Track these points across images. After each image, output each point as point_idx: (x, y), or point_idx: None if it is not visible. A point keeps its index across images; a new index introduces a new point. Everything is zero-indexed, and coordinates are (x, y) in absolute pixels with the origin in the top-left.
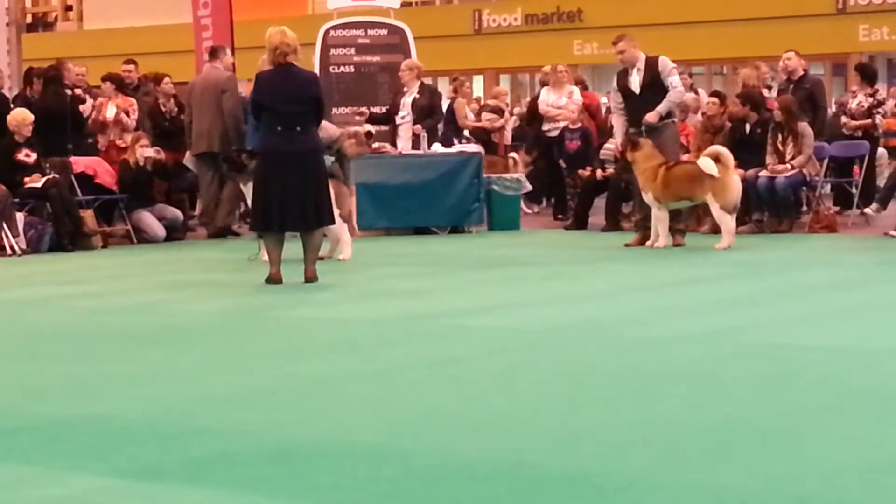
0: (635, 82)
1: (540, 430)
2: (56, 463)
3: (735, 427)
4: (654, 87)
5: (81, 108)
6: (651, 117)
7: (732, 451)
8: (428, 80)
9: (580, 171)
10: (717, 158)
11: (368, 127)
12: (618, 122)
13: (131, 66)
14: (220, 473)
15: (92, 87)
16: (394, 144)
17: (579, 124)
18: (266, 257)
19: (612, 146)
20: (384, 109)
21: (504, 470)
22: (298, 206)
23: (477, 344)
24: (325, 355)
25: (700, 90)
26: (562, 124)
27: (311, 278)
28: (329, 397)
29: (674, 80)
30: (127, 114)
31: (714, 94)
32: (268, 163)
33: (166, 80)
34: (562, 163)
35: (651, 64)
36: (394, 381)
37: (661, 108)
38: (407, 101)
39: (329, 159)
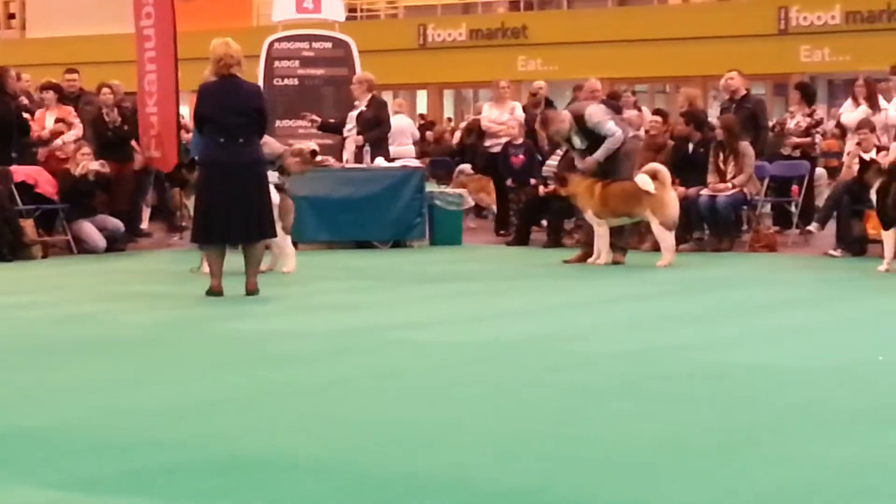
0: (577, 143)
1: (481, 444)
2: None
3: (675, 444)
4: (597, 137)
5: (27, 116)
6: (588, 164)
7: (672, 467)
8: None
9: (531, 184)
10: (654, 176)
11: (313, 145)
12: (578, 159)
13: (74, 76)
14: (161, 485)
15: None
16: (340, 157)
17: (521, 139)
18: (207, 269)
19: (554, 163)
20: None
21: (446, 484)
22: (240, 219)
23: (419, 358)
24: (266, 368)
25: (643, 108)
26: (503, 140)
27: (252, 291)
28: (271, 409)
29: (607, 130)
30: (68, 125)
31: (657, 112)
32: (210, 174)
33: (105, 90)
34: (510, 182)
35: (581, 122)
36: (336, 394)
37: (599, 154)
38: (353, 114)
39: (274, 174)
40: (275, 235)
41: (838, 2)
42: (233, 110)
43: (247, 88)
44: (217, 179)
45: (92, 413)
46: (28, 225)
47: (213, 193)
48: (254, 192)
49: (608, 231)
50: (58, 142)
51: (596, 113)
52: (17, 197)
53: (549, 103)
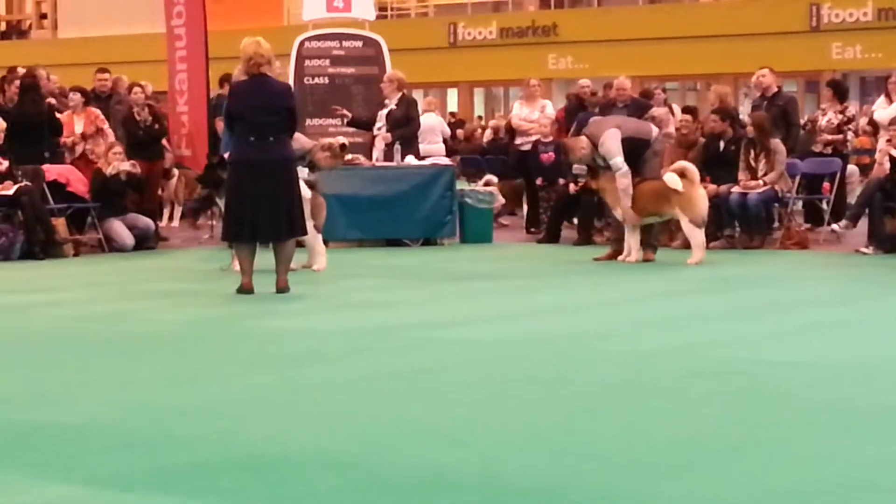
0: (601, 162)
1: (509, 441)
2: (23, 471)
3: (702, 441)
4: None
5: (59, 116)
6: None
7: (699, 464)
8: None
9: (560, 182)
10: (682, 174)
11: (342, 139)
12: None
13: (105, 75)
14: (188, 482)
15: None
16: (370, 156)
17: (551, 137)
18: (238, 267)
19: None
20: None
21: (473, 481)
22: (270, 217)
23: (448, 356)
24: (296, 365)
25: (674, 105)
26: (534, 138)
27: (282, 288)
28: (299, 407)
29: (614, 163)
30: (99, 129)
31: (686, 110)
32: (240, 172)
33: (136, 89)
34: (539, 180)
35: (598, 147)
36: (364, 392)
37: (624, 202)
38: (383, 113)
39: (304, 171)
40: (305, 233)
41: None
42: (263, 109)
43: (277, 87)
44: (247, 177)
45: (120, 410)
46: (60, 223)
47: (243, 191)
48: (284, 191)
49: (639, 228)
50: (88, 146)
51: (607, 142)
52: (49, 196)
53: (580, 103)
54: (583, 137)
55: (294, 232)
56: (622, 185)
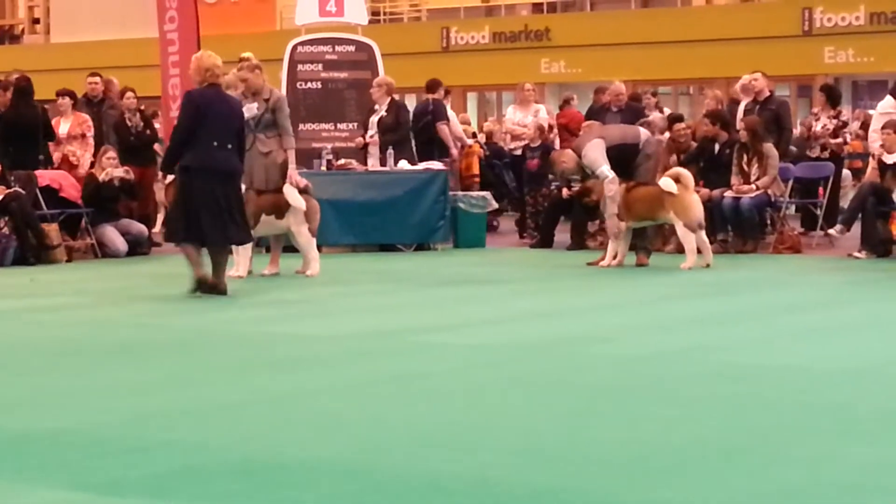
0: (588, 172)
1: (505, 446)
2: (18, 477)
3: (697, 445)
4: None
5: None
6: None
7: (695, 469)
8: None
9: (544, 189)
10: (677, 179)
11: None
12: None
13: (96, 80)
14: (184, 488)
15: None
16: (364, 161)
17: (539, 142)
18: (235, 273)
19: None
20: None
21: (469, 486)
22: (223, 222)
23: (442, 360)
24: (290, 370)
25: (665, 109)
26: (525, 142)
27: (222, 290)
28: (294, 412)
29: (600, 173)
30: (82, 134)
31: (674, 118)
32: (200, 177)
33: (128, 94)
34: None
35: (581, 159)
36: (359, 397)
37: (610, 209)
38: (374, 120)
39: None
40: (252, 239)
41: (862, 3)
42: (224, 118)
43: (232, 99)
44: (206, 182)
45: (116, 415)
46: (52, 229)
47: (200, 195)
48: (235, 198)
49: (629, 233)
50: (70, 148)
51: (589, 154)
52: (42, 201)
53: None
54: (567, 151)
55: (243, 237)
56: (609, 191)
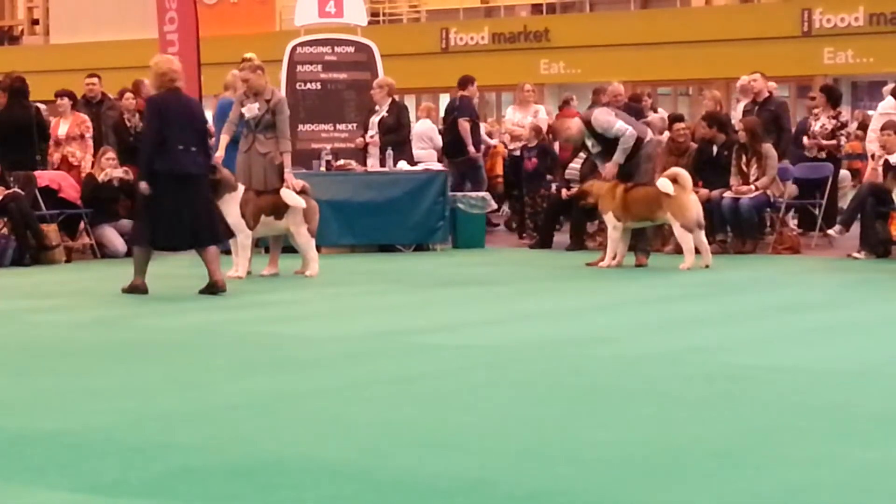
0: (591, 147)
1: (503, 447)
2: (18, 478)
3: (698, 446)
4: (609, 139)
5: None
6: (609, 170)
7: (693, 469)
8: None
9: (542, 189)
10: (675, 179)
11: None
12: (599, 164)
13: (94, 80)
14: (183, 488)
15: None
16: (363, 162)
17: (535, 142)
18: (235, 273)
19: (577, 166)
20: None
21: (466, 487)
22: (192, 225)
23: (442, 361)
24: (289, 371)
25: (660, 109)
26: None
27: (221, 287)
28: (293, 413)
29: (617, 130)
30: (81, 135)
31: (675, 118)
32: (168, 181)
33: (127, 95)
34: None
35: (591, 127)
36: (357, 398)
37: (617, 157)
38: (375, 120)
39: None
40: (223, 239)
41: (862, 3)
42: (187, 121)
43: (193, 102)
44: (173, 186)
45: (114, 417)
46: (51, 230)
47: (169, 199)
48: (202, 200)
49: (626, 234)
50: (70, 149)
51: (600, 117)
52: (41, 201)
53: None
54: (574, 119)
55: (215, 238)
56: (627, 142)
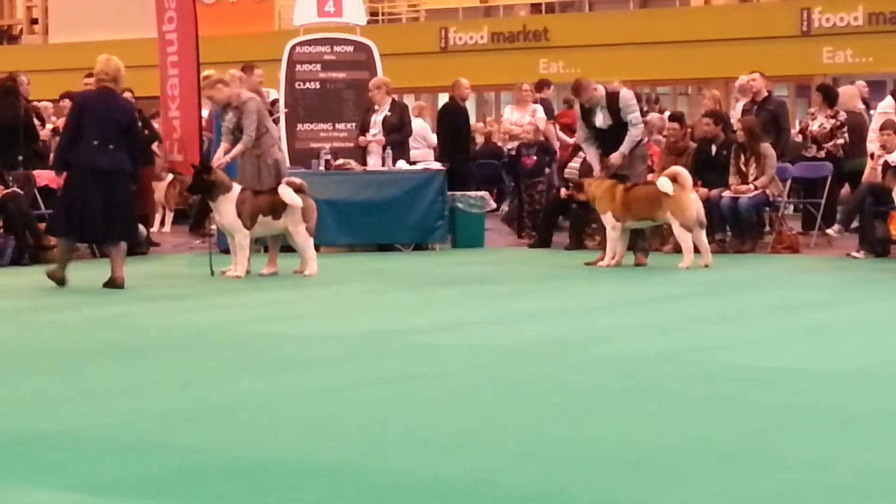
0: (600, 120)
1: (501, 448)
2: (13, 478)
3: (698, 446)
4: (620, 122)
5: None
6: (616, 159)
7: (692, 470)
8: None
9: (540, 186)
10: (674, 178)
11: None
12: (591, 153)
13: (92, 80)
14: (179, 489)
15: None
16: (362, 161)
17: (534, 141)
18: (233, 273)
19: (576, 165)
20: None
21: (465, 488)
22: (102, 218)
23: (440, 361)
24: (287, 371)
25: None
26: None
27: (119, 283)
28: (290, 413)
29: (634, 117)
30: None
31: (672, 117)
32: (81, 175)
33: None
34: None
35: (613, 100)
36: (355, 398)
37: (624, 147)
38: (378, 119)
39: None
40: (135, 236)
41: (861, 3)
42: (105, 119)
43: (121, 102)
44: (86, 180)
45: (111, 417)
46: None
47: (80, 192)
48: (118, 196)
49: (626, 233)
50: None
51: (629, 97)
52: (41, 201)
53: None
54: (599, 85)
55: (125, 235)
56: (637, 133)
